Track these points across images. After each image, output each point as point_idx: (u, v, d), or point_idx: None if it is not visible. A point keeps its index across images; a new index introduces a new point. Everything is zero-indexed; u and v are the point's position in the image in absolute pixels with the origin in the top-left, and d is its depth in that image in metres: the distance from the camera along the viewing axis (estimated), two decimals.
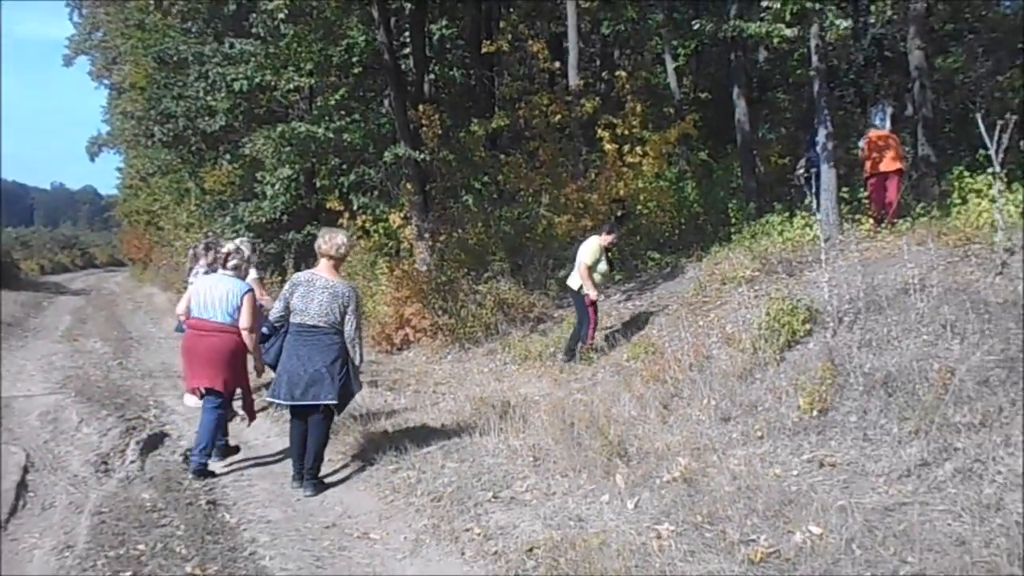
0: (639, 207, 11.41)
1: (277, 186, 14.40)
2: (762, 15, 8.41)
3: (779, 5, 7.94)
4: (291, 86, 13.48)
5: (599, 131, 11.27)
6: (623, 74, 11.84)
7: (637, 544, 3.44)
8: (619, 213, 11.68)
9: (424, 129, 11.81)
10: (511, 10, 15.31)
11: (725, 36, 10.01)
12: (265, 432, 6.43)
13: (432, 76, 14.75)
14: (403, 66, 13.54)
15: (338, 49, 12.96)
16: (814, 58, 8.69)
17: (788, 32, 8.44)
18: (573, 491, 4.33)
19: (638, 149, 11.15)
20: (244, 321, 5.30)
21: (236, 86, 13.30)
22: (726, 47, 14.32)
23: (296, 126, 12.94)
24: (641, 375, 6.52)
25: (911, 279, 5.93)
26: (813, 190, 9.09)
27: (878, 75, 16.26)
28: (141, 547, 3.98)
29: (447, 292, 10.55)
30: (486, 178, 13.24)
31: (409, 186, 12.36)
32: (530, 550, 3.61)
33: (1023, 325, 4.80)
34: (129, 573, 3.68)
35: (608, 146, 11.12)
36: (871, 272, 6.46)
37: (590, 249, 7.84)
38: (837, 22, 8.12)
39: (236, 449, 5.81)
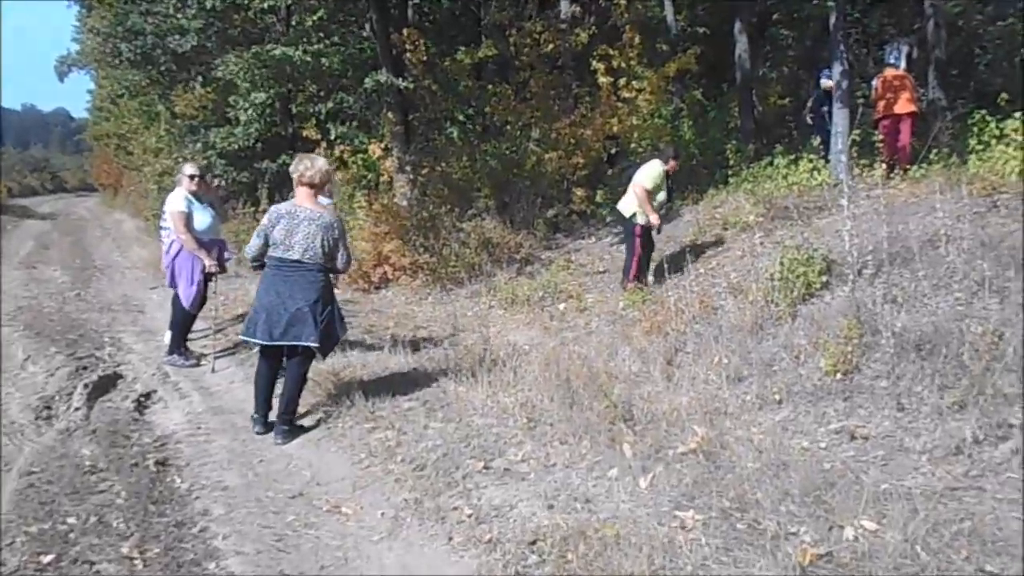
0: (633, 145, 10.78)
1: (251, 112, 13.51)
2: None
3: None
4: (266, 5, 12.48)
5: (594, 63, 10.54)
6: (622, 1, 11.01)
7: (660, 537, 2.89)
8: (613, 151, 11.09)
9: (408, 55, 11.00)
10: None
11: None
12: (228, 377, 5.81)
13: (416, 1, 13.83)
14: None
15: None
16: None
17: None
18: (575, 462, 3.79)
19: (634, 83, 10.46)
20: None
21: (208, 3, 12.31)
22: None
23: (271, 48, 12.03)
24: (641, 326, 6.02)
25: (940, 230, 5.44)
26: (822, 132, 8.55)
27: (881, 14, 15.59)
28: (71, 520, 3.39)
29: (429, 229, 9.94)
30: (472, 110, 12.48)
31: (390, 115, 11.57)
32: (533, 542, 3.05)
33: None
34: (52, 556, 3.08)
35: (603, 79, 10.42)
36: (890, 221, 5.94)
37: (652, 173, 7.06)
38: None
39: None
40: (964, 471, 3.44)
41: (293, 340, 4.47)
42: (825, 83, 8.65)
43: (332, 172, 4.75)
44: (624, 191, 7.27)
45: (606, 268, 8.35)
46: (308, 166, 4.58)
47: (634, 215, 6.99)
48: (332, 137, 12.38)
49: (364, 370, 5.68)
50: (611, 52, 10.52)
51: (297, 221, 4.49)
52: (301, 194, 4.59)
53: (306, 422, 4.77)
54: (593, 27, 12.04)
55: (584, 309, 7.15)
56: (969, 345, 4.18)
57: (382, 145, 11.19)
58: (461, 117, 12.45)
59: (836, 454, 3.75)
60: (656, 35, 14.27)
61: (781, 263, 5.69)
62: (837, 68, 8.13)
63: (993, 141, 6.89)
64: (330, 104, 13.51)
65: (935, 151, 7.72)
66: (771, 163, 8.94)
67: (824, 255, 5.78)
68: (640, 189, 6.90)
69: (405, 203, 10.65)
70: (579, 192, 10.39)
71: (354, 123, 13.70)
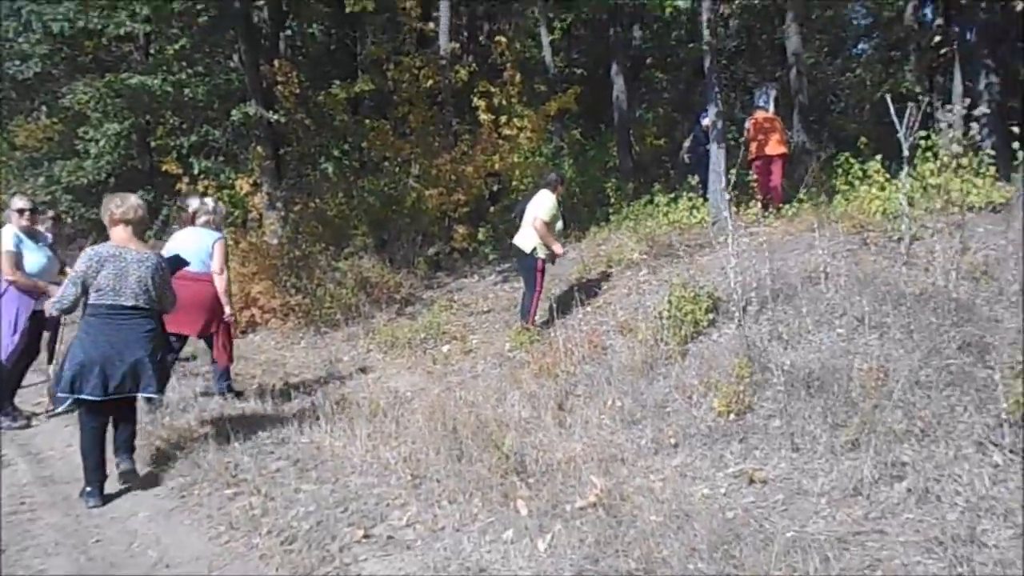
0: (515, 182, 10.69)
1: (103, 143, 12.51)
2: None
3: None
4: (121, 31, 11.61)
5: (475, 99, 10.42)
6: (503, 39, 11.00)
7: None
8: (495, 188, 10.96)
9: (279, 87, 10.51)
10: None
11: (613, 3, 9.38)
12: (66, 439, 5.08)
13: (288, 32, 13.34)
14: (256, 18, 12.05)
15: None
16: (706, 33, 8.22)
17: (681, 2, 7.92)
18: (466, 524, 3.42)
19: (515, 121, 10.40)
20: (215, 265, 5.78)
21: (55, 28, 11.31)
22: (602, 23, 13.86)
23: (127, 76, 11.20)
24: (529, 368, 5.77)
25: (820, 266, 5.54)
26: (700, 171, 8.71)
27: (744, 62, 16.51)
28: None
29: (301, 268, 9.41)
30: (348, 145, 12.06)
31: (260, 149, 10.99)
32: None
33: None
34: None
35: (484, 116, 10.31)
36: (771, 258, 6.02)
37: (548, 205, 6.74)
38: None
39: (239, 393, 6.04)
40: (864, 513, 3.34)
41: (130, 391, 4.15)
42: (706, 122, 8.85)
43: (144, 207, 4.40)
44: (518, 227, 6.99)
45: (490, 307, 8.10)
46: (119, 203, 4.28)
47: (535, 249, 6.70)
48: (195, 171, 11.61)
49: (226, 427, 5.07)
50: (492, 89, 10.44)
51: (125, 264, 4.16)
52: (120, 234, 4.27)
53: (155, 490, 4.18)
54: (473, 64, 11.98)
55: (469, 351, 6.85)
56: (857, 382, 4.17)
57: (251, 180, 10.56)
58: (336, 152, 12.01)
59: (737, 500, 3.59)
60: (534, 75, 14.43)
61: (669, 301, 5.60)
62: (712, 109, 8.32)
63: (857, 182, 7.20)
64: (194, 137, 12.75)
65: (804, 191, 8.04)
66: (651, 201, 9.05)
67: (710, 292, 5.74)
68: (539, 223, 6.63)
69: (276, 241, 10.06)
70: (461, 229, 10.16)
71: (220, 157, 12.97)
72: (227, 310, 5.86)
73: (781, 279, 5.73)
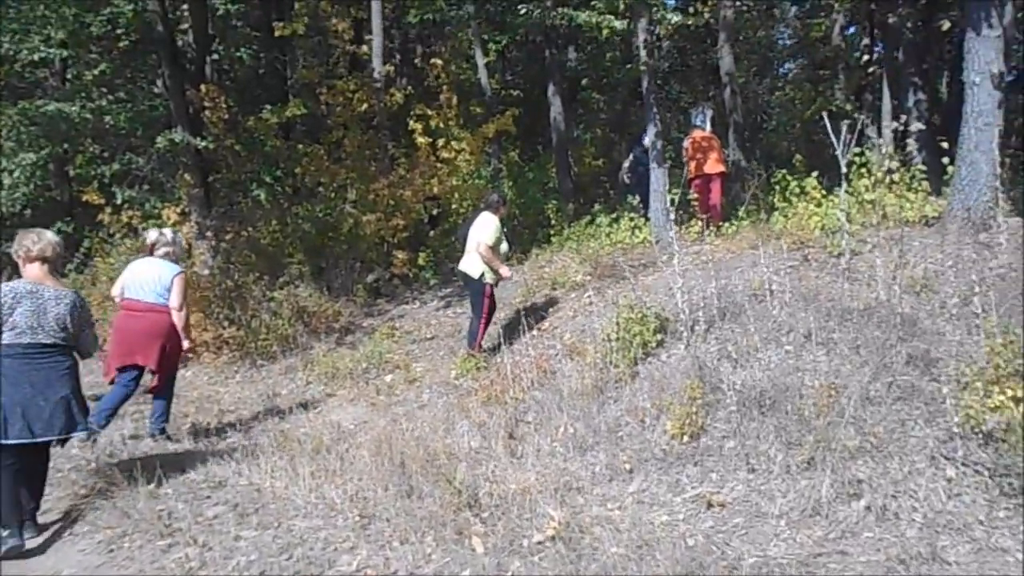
0: (454, 206, 10.58)
1: (17, 174, 11.86)
2: (593, 3, 7.89)
3: None
4: (36, 57, 11.10)
5: (411, 123, 10.31)
6: (439, 62, 10.93)
7: None
8: (434, 212, 10.84)
9: (207, 113, 10.20)
10: None
11: (549, 24, 9.39)
12: None
13: (215, 57, 12.99)
14: (180, 42, 11.70)
15: (99, 18, 10.85)
16: (642, 53, 8.29)
17: (618, 24, 7.97)
18: (420, 566, 3.25)
19: (453, 144, 10.33)
20: (174, 300, 5.55)
21: None
22: (537, 45, 13.96)
23: (42, 104, 10.68)
24: (477, 395, 5.62)
25: (765, 283, 5.56)
26: (641, 191, 8.76)
27: (676, 82, 16.83)
28: None
29: (234, 299, 9.06)
30: (280, 171, 11.76)
31: (187, 177, 10.61)
32: None
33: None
34: None
35: (421, 139, 10.20)
36: (714, 277, 6.04)
37: (491, 228, 6.56)
38: (669, 16, 7.76)
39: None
40: (824, 534, 3.31)
41: (57, 433, 3.98)
42: (646, 142, 8.92)
43: (61, 243, 4.28)
44: (461, 251, 6.83)
45: (434, 334, 7.93)
46: (35, 240, 4.16)
47: (483, 274, 6.53)
48: (119, 201, 11.13)
49: (158, 471, 4.76)
50: (428, 112, 10.35)
51: (42, 301, 4.04)
52: (36, 272, 4.14)
53: (80, 545, 3.88)
54: (408, 87, 11.88)
55: (414, 380, 6.66)
56: (808, 399, 4.16)
57: (178, 209, 10.17)
58: (268, 178, 11.67)
59: (697, 526, 3.51)
60: (470, 97, 14.42)
61: (617, 323, 5.54)
62: (652, 129, 8.37)
63: (794, 198, 7.31)
64: (116, 165, 12.21)
65: (742, 208, 8.15)
66: (592, 221, 9.05)
67: (657, 313, 5.70)
68: (484, 247, 6.46)
69: (206, 272, 9.69)
70: (400, 255, 9.99)
71: (145, 186, 12.47)
72: (185, 344, 5.68)
73: (727, 297, 5.74)
